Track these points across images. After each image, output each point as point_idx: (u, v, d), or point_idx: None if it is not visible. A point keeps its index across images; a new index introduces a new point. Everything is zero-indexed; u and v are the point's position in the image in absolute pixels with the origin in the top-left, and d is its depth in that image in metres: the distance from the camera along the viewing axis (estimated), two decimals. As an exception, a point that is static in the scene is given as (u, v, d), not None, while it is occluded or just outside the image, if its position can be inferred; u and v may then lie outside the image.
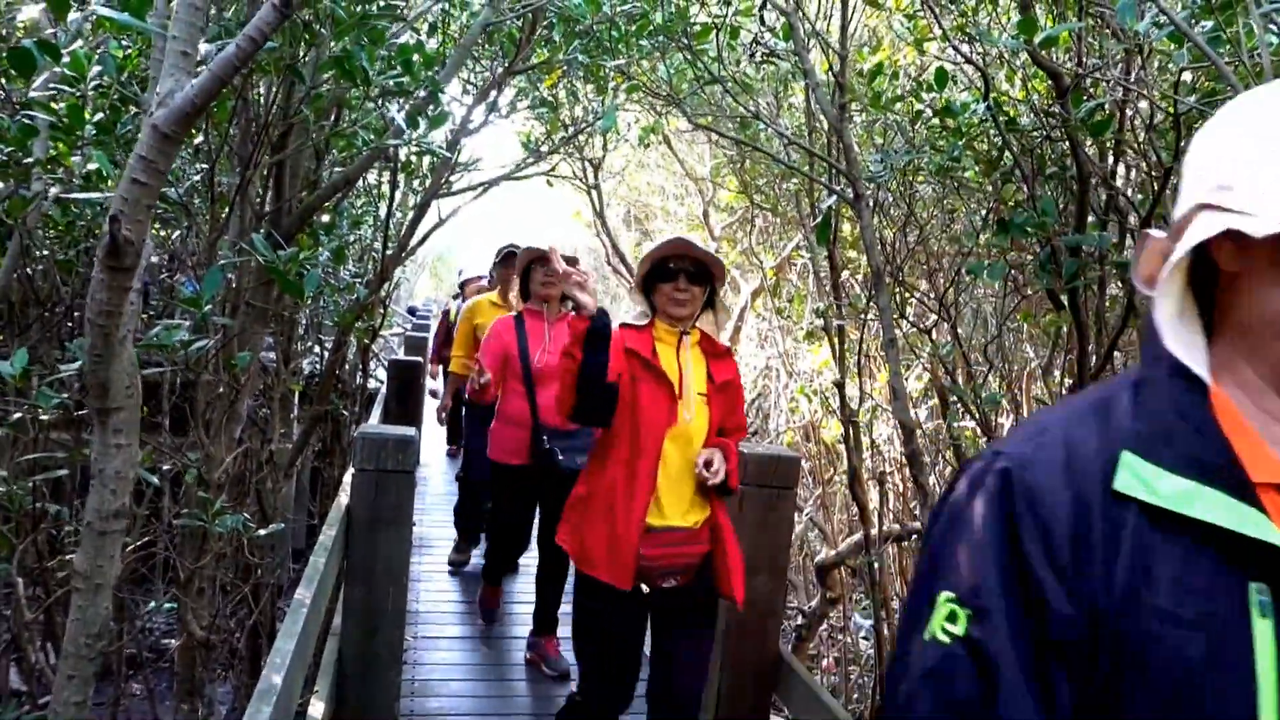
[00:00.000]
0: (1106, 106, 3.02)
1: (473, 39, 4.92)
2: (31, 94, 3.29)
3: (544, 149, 7.48)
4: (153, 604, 5.07)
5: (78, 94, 3.04)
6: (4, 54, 2.87)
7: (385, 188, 6.15)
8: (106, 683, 5.24)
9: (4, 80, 3.42)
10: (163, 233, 4.83)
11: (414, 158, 5.99)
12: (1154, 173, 3.35)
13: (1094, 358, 3.26)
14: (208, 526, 3.33)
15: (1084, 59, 3.12)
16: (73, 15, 3.07)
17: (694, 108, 6.17)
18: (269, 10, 1.83)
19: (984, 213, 3.92)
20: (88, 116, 3.08)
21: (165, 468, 4.35)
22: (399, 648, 3.66)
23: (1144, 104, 3.24)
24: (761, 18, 4.66)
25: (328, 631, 3.76)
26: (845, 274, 6.43)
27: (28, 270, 4.24)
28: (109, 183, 2.88)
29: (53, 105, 3.19)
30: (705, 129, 6.35)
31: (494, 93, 5.65)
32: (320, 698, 3.26)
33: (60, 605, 4.33)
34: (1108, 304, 3.54)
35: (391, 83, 3.63)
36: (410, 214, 6.00)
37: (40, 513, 4.03)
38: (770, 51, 4.75)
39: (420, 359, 7.35)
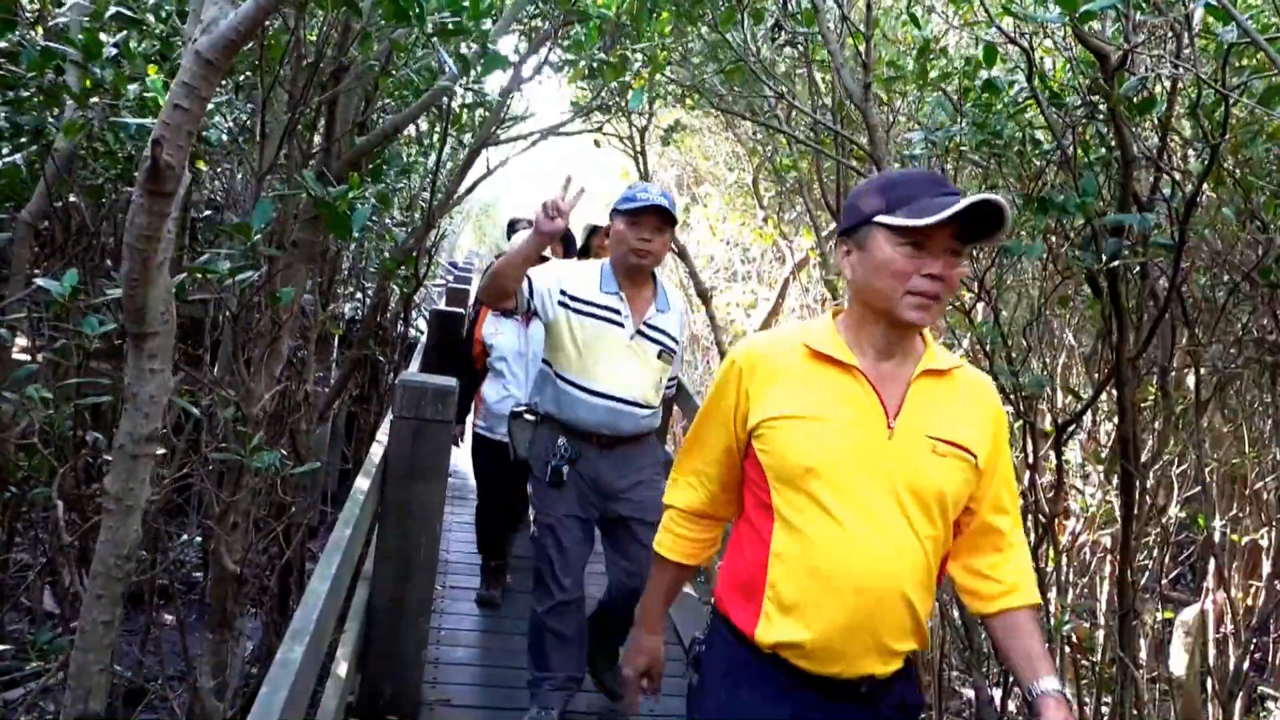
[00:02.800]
0: (1150, 84, 2.90)
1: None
2: (61, 19, 3.26)
3: (591, 107, 7.38)
4: (184, 537, 5.13)
5: (135, 18, 3.02)
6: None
7: (436, 139, 6.10)
8: (139, 612, 5.34)
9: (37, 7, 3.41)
10: (206, 168, 4.82)
11: (465, 110, 5.93)
12: (1188, 152, 3.24)
13: (1132, 343, 3.18)
14: (245, 462, 3.34)
15: (1130, 37, 3.00)
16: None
17: (720, 92, 6.06)
18: (317, -61, 1.79)
19: (1024, 193, 3.83)
20: (134, 48, 3.06)
21: (205, 402, 4.38)
22: (429, 597, 3.67)
23: (1190, 85, 3.12)
24: (784, 1, 4.57)
25: (359, 576, 3.77)
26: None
27: (69, 198, 4.26)
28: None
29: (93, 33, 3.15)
30: (730, 113, 6.24)
31: (545, 47, 5.57)
32: (349, 641, 3.28)
33: (95, 531, 4.38)
34: (1148, 290, 3.44)
35: (447, 22, 3.56)
36: (459, 163, 5.95)
37: (80, 439, 4.07)
38: (792, 34, 4.66)
39: (460, 309, 7.33)
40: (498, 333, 4.60)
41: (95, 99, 3.17)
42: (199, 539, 4.64)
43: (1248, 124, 3.14)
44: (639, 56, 5.28)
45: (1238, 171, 3.16)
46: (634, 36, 5.16)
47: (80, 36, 2.98)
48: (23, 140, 3.42)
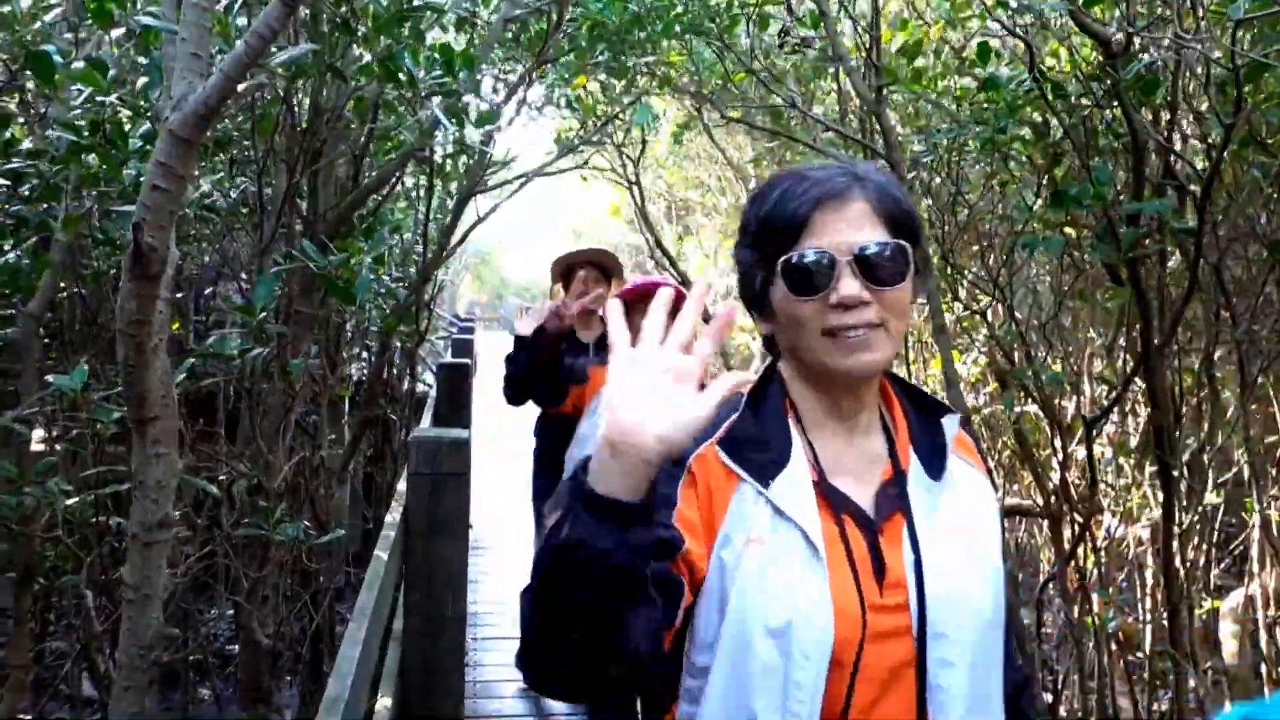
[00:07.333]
0: (1157, 66, 2.87)
1: (496, 34, 4.83)
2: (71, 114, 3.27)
3: (577, 142, 7.36)
4: (215, 611, 5.10)
5: (104, 107, 3.02)
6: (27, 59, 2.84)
7: (423, 191, 6.10)
8: (175, 689, 5.30)
9: (42, 98, 3.42)
10: (203, 244, 4.84)
11: (448, 160, 5.94)
12: (1210, 138, 3.17)
13: (1157, 332, 3.11)
14: (269, 535, 3.31)
15: (1133, 20, 2.97)
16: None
17: (726, 100, 6.03)
18: (275, 5, 1.77)
19: (1035, 188, 3.77)
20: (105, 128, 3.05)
21: (222, 478, 4.36)
22: (461, 652, 3.62)
23: (1199, 63, 3.07)
24: (789, 5, 4.55)
25: (389, 636, 3.73)
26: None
27: (80, 290, 4.26)
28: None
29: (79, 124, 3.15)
30: (738, 121, 6.21)
31: (523, 88, 5.58)
32: (385, 704, 3.23)
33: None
34: (1169, 277, 3.37)
35: (435, 84, 3.56)
36: (449, 215, 5.95)
37: (104, 526, 4.06)
38: (801, 40, 4.64)
39: (467, 360, 7.30)
40: None
41: (90, 189, 3.17)
42: (230, 612, 4.61)
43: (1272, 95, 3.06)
44: (643, 65, 5.23)
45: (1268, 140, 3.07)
46: (635, 44, 5.10)
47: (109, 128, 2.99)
48: (22, 235, 3.42)
